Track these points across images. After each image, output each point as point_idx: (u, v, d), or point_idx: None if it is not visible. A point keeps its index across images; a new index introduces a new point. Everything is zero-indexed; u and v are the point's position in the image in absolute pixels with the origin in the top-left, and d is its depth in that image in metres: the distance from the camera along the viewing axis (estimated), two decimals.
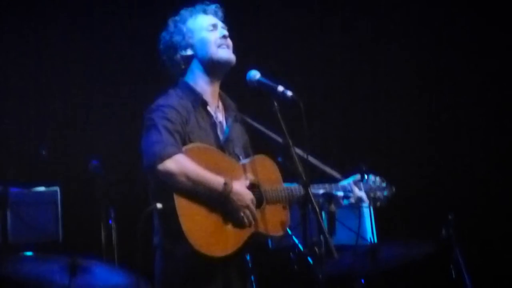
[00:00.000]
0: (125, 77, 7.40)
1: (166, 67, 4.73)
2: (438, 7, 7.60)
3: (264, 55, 7.36)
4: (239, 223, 4.42)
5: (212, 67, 4.65)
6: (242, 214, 4.40)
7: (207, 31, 4.67)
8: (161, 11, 4.91)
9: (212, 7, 4.76)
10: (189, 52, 4.65)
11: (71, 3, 7.35)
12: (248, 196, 4.43)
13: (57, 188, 6.07)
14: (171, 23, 4.72)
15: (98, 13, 7.37)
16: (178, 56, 4.67)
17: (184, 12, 4.74)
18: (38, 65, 7.33)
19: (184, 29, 4.67)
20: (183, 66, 4.68)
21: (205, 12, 4.73)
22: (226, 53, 4.65)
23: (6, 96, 7.24)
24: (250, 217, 4.42)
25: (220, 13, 4.77)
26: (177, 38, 4.66)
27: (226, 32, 4.69)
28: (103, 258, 5.97)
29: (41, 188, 6.09)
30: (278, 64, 7.33)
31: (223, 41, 4.66)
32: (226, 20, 4.78)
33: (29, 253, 5.02)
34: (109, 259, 5.96)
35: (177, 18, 4.73)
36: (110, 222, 6.17)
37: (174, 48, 4.66)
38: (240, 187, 4.43)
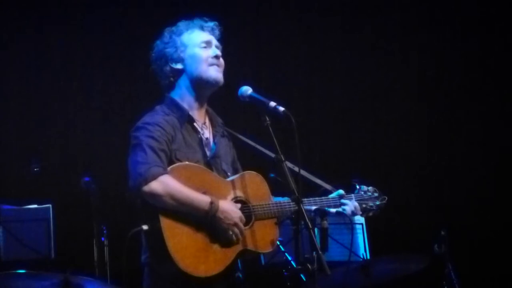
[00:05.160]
0: (120, 94, 7.41)
1: (156, 76, 4.72)
2: (437, 7, 7.64)
3: (259, 64, 7.41)
4: (227, 242, 4.39)
5: (200, 85, 4.61)
6: (230, 232, 4.36)
7: (200, 47, 4.61)
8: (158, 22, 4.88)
9: (210, 24, 4.70)
10: (179, 66, 4.61)
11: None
12: (235, 213, 4.39)
13: (49, 205, 6.06)
14: (166, 34, 4.68)
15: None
16: (168, 68, 4.63)
17: (181, 25, 4.69)
18: (32, 82, 7.34)
19: (178, 42, 4.62)
20: (171, 79, 4.64)
21: (202, 28, 4.66)
22: (215, 73, 4.59)
23: None
24: (239, 235, 4.40)
25: (217, 32, 4.71)
26: (169, 50, 4.62)
27: (219, 52, 4.63)
28: (96, 275, 5.97)
29: (34, 205, 6.08)
30: (274, 71, 7.39)
31: (214, 60, 4.60)
32: (222, 39, 4.73)
33: (21, 271, 5.01)
34: (102, 276, 5.96)
35: (173, 29, 4.69)
36: (102, 239, 6.17)
37: (165, 59, 4.63)
38: (227, 205, 4.40)
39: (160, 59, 4.65)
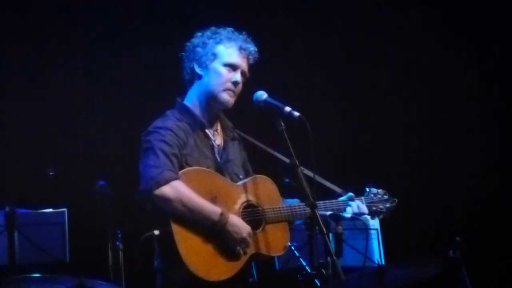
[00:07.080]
0: (134, 98, 7.42)
1: (181, 63, 4.69)
2: (437, 7, 7.63)
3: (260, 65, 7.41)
4: (233, 254, 4.40)
5: (209, 100, 4.62)
6: (238, 247, 4.38)
7: (226, 67, 4.60)
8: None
9: (249, 49, 4.66)
10: (199, 71, 4.62)
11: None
12: (244, 228, 4.40)
13: (64, 210, 6.08)
14: (209, 33, 4.66)
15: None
16: (191, 66, 4.63)
17: (224, 33, 4.65)
18: (47, 86, 7.36)
19: (211, 49, 4.61)
20: (190, 77, 4.66)
21: (239, 49, 4.64)
22: (226, 97, 4.59)
23: (14, 117, 7.26)
24: (246, 249, 4.41)
25: (252, 59, 4.68)
26: (201, 51, 4.62)
27: (239, 80, 4.60)
28: (110, 279, 5.97)
29: (49, 210, 6.09)
30: (279, 77, 7.38)
31: (231, 86, 4.59)
32: (254, 65, 4.70)
33: (36, 274, 5.03)
34: (116, 281, 5.96)
35: (218, 31, 4.66)
36: (117, 243, 6.18)
37: (193, 56, 4.63)
38: (237, 219, 4.41)
39: (189, 53, 4.65)
